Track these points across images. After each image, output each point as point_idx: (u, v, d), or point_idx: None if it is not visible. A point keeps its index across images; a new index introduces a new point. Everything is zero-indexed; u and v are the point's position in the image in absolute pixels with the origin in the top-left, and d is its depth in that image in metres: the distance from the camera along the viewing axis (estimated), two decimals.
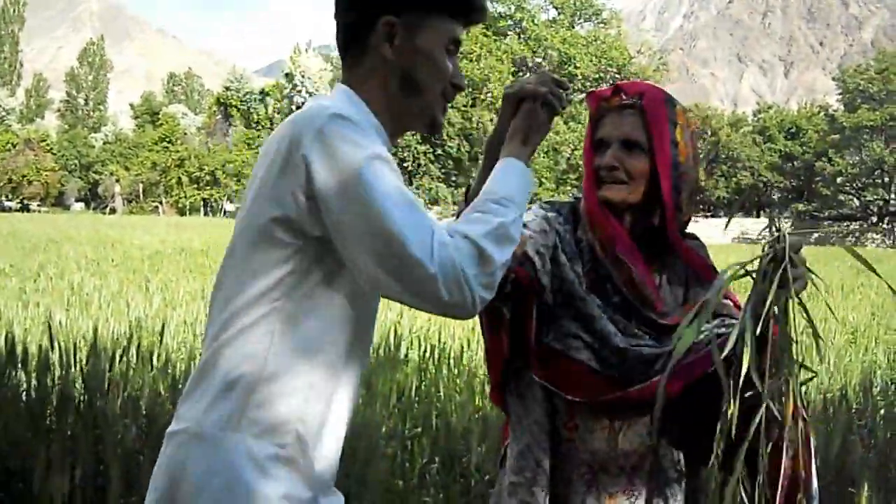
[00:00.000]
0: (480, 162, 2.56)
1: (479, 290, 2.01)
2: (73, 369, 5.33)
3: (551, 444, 2.61)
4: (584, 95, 2.78)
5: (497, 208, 2.11)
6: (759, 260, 2.23)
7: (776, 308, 2.21)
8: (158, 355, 6.45)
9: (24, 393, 5.02)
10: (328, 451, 2.23)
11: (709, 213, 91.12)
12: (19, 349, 5.25)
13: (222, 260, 2.24)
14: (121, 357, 5.67)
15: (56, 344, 5.48)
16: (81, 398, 5.02)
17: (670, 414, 2.36)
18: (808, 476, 2.45)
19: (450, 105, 2.46)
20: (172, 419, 2.22)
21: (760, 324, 2.18)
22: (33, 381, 5.00)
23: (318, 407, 2.16)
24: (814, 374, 2.56)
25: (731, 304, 2.62)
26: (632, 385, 2.45)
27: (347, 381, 2.24)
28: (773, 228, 2.26)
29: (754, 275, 2.25)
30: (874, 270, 2.22)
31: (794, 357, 2.26)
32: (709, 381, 2.28)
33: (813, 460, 2.49)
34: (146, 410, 4.99)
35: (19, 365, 5.13)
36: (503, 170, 2.24)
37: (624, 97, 2.61)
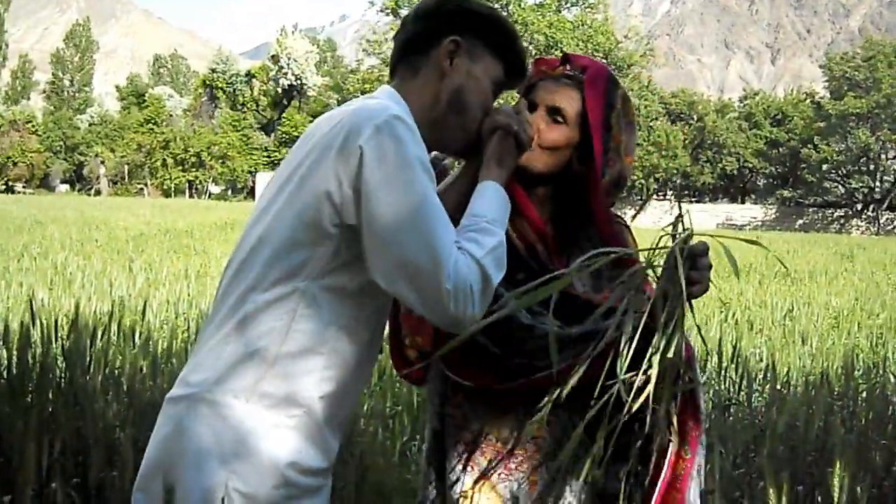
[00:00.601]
0: (457, 170, 2.62)
1: (478, 308, 2.12)
2: (54, 346, 5.31)
3: (440, 417, 2.64)
4: None
5: (491, 228, 2.22)
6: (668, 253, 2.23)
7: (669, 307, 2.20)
8: (140, 333, 6.44)
9: (5, 369, 5.00)
10: (336, 430, 2.33)
11: (693, 199, 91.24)
12: (0, 326, 5.23)
13: (241, 236, 2.32)
14: (102, 334, 5.66)
15: (38, 321, 5.46)
16: (62, 374, 5.01)
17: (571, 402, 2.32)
18: (685, 479, 2.43)
19: None
20: (154, 391, 2.27)
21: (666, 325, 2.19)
22: (14, 358, 4.98)
23: (330, 387, 2.24)
24: (695, 383, 2.50)
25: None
26: (532, 370, 2.38)
27: (361, 365, 2.33)
28: (681, 227, 2.23)
29: (654, 270, 2.25)
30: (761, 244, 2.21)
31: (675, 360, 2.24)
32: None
33: (693, 465, 2.46)
34: (127, 387, 4.98)
35: (0, 341, 5.11)
36: (487, 192, 2.33)
37: (568, 68, 2.58)
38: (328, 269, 2.17)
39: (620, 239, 2.61)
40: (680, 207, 2.26)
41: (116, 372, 5.25)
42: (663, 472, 2.39)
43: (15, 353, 4.92)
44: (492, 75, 2.43)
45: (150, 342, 5.93)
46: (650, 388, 2.18)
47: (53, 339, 5.33)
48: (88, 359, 5.11)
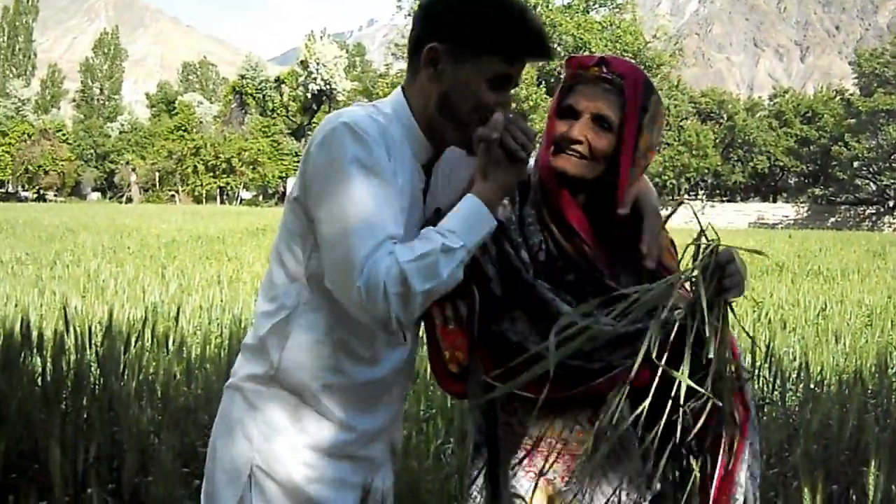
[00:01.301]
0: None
1: (396, 309, 2.13)
2: (88, 352, 5.34)
3: (490, 425, 2.63)
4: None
5: (433, 237, 2.22)
6: (698, 266, 2.29)
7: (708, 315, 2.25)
8: (174, 339, 6.46)
9: (40, 377, 5.04)
10: (357, 413, 2.45)
11: (725, 198, 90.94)
12: (34, 334, 5.26)
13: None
14: (136, 341, 5.70)
15: (72, 328, 5.50)
16: (96, 381, 5.05)
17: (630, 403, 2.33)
18: (737, 461, 2.45)
19: None
20: (188, 396, 2.47)
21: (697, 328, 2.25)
22: (48, 365, 5.01)
23: (342, 374, 2.39)
24: (743, 380, 2.53)
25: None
26: (589, 373, 2.39)
27: (374, 352, 2.43)
28: (704, 237, 2.27)
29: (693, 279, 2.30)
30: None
31: (725, 360, 2.28)
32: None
33: (745, 448, 2.49)
34: (161, 393, 5.01)
35: (35, 349, 5.15)
36: (461, 206, 2.32)
37: (605, 71, 2.53)
38: (318, 264, 2.30)
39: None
40: (700, 223, 2.28)
41: (150, 378, 5.29)
42: (718, 461, 2.42)
43: (49, 360, 4.96)
44: (487, 71, 2.35)
45: (184, 348, 5.97)
46: (708, 387, 2.23)
47: (87, 346, 5.37)
48: (122, 365, 5.15)
